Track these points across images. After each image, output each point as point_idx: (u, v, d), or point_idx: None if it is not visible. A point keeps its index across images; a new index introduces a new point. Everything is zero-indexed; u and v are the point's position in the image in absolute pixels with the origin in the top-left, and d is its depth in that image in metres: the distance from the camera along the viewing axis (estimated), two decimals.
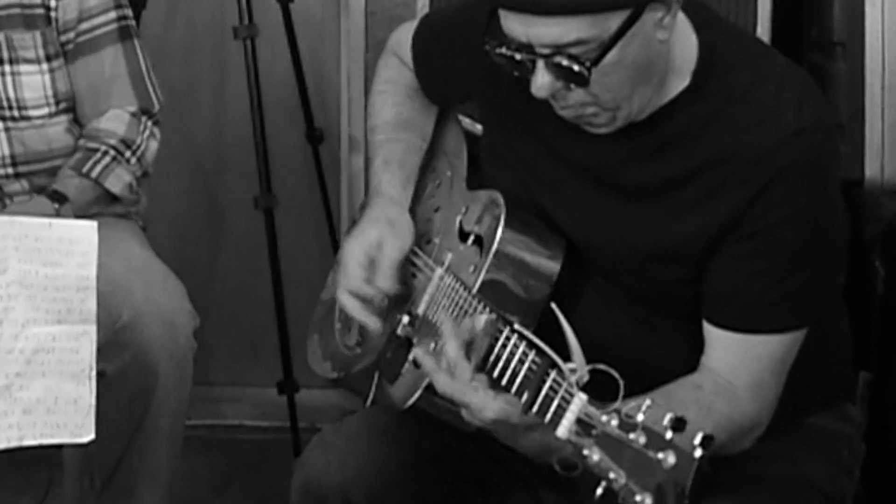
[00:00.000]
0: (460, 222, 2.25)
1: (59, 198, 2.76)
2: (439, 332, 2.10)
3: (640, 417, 1.72)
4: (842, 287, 2.23)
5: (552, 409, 1.82)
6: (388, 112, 2.43)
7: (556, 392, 1.83)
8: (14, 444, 2.08)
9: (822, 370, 2.18)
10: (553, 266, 2.14)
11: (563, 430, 1.78)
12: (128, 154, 2.85)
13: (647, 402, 1.73)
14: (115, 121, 2.87)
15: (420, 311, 2.20)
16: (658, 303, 2.12)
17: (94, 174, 2.80)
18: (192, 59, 3.82)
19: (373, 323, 2.26)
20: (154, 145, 2.91)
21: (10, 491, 3.42)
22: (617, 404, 1.75)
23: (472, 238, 2.21)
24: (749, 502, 2.09)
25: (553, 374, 1.85)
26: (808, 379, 2.12)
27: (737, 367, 2.05)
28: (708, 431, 1.68)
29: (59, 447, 2.74)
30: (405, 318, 2.19)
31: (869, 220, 2.80)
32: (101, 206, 2.85)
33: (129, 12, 2.91)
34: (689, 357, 2.09)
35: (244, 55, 3.42)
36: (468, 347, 1.98)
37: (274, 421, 3.81)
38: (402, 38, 2.45)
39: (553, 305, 1.95)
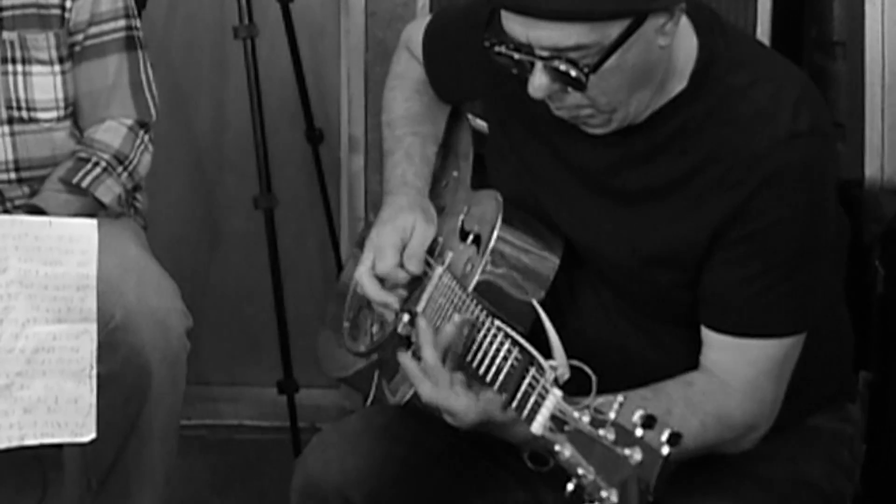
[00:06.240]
0: (462, 222, 2.25)
1: (38, 214, 2.71)
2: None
3: (611, 414, 1.72)
4: (842, 288, 2.22)
5: (529, 405, 1.84)
6: (399, 108, 2.45)
7: (533, 388, 1.85)
8: (15, 443, 2.09)
9: (823, 370, 2.18)
10: (550, 264, 2.14)
11: (537, 426, 1.81)
12: (119, 169, 2.84)
13: (620, 398, 1.74)
14: (111, 133, 2.86)
15: (420, 309, 2.20)
16: (655, 307, 2.12)
17: (84, 184, 2.79)
18: (192, 58, 3.82)
19: (392, 301, 2.25)
20: (147, 158, 2.91)
21: (10, 491, 3.42)
22: (589, 400, 1.76)
23: (471, 237, 2.21)
24: (748, 502, 2.09)
25: (532, 370, 1.87)
26: (809, 379, 2.11)
27: (732, 369, 2.05)
28: (677, 429, 1.68)
29: (59, 447, 2.74)
30: (405, 317, 2.19)
31: (869, 220, 2.80)
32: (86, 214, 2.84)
33: (137, 23, 2.91)
34: (685, 361, 2.08)
35: (244, 55, 3.42)
36: (446, 352, 2.01)
37: (274, 421, 3.80)
38: (414, 34, 2.46)
39: (534, 302, 1.96)
